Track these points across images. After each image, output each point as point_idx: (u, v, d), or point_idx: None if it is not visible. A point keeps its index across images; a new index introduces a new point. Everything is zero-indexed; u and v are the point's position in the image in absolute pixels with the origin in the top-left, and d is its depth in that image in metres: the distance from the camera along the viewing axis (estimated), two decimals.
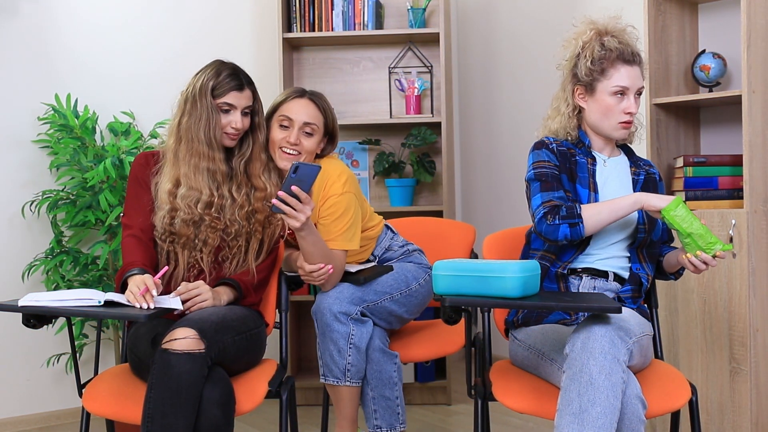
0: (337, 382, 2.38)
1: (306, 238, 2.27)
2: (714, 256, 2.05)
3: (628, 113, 2.21)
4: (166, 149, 2.33)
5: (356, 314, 2.37)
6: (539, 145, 2.26)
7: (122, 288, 2.12)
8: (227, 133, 2.30)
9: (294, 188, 2.14)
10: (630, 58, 2.21)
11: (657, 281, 2.37)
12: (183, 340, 1.95)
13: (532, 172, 2.22)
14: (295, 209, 2.16)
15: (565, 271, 2.19)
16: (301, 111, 2.46)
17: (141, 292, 2.00)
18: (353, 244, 2.45)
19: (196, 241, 2.26)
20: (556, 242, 2.12)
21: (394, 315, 2.50)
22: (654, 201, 2.09)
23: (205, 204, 2.26)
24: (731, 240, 2.71)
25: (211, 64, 2.34)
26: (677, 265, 2.24)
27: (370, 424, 2.45)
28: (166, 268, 2.19)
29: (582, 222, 2.10)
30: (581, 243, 2.20)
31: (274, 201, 2.16)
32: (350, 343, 2.34)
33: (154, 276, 2.10)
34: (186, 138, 2.27)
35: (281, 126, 2.46)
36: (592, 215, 2.11)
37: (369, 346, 2.41)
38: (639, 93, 2.24)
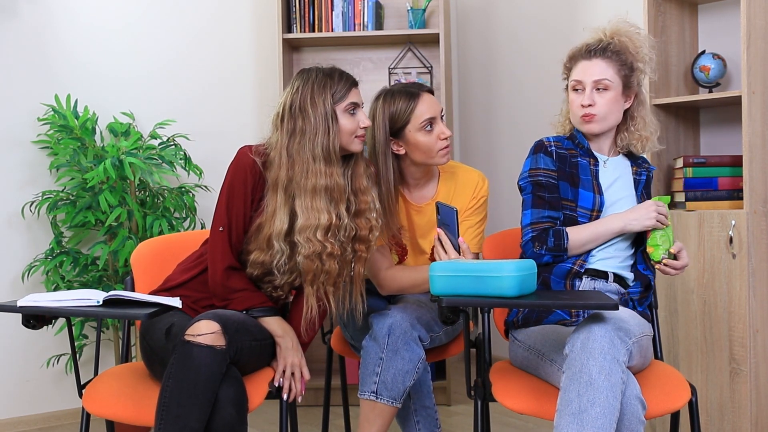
0: (392, 403, 2.22)
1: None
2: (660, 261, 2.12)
3: (583, 105, 2.20)
4: (273, 178, 2.14)
5: (427, 343, 2.33)
6: (538, 148, 2.27)
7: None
8: (358, 136, 2.17)
9: (441, 233, 2.16)
10: (591, 51, 2.21)
11: (656, 282, 2.37)
12: (208, 335, 1.94)
13: (527, 180, 2.26)
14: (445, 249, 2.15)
15: (582, 270, 2.20)
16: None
17: (302, 386, 2.13)
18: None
19: (322, 273, 2.15)
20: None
21: (440, 345, 2.48)
22: (636, 226, 2.16)
23: (325, 229, 2.12)
24: (731, 241, 2.71)
25: (304, 73, 2.18)
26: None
27: None
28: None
29: (567, 254, 2.18)
30: None
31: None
32: (417, 368, 2.25)
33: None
34: (300, 160, 2.11)
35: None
36: (576, 247, 2.18)
37: None
38: (600, 88, 2.19)
